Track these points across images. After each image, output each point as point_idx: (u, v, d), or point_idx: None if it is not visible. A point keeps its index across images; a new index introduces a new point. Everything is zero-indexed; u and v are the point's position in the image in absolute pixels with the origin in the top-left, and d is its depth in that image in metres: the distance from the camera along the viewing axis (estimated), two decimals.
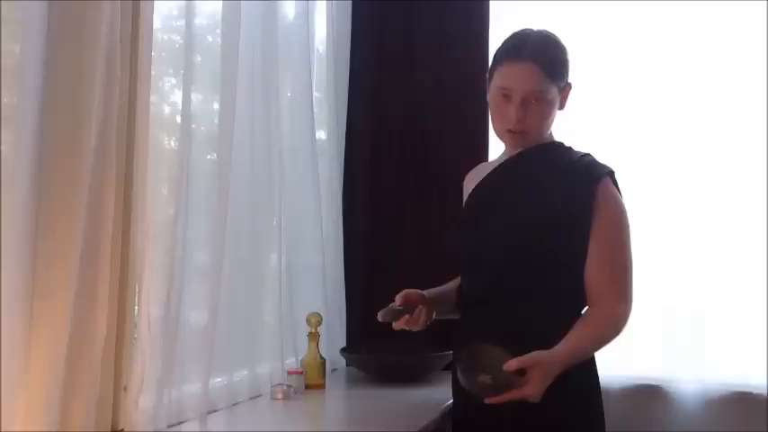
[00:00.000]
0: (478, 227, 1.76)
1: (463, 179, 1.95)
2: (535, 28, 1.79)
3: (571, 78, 1.76)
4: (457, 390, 1.79)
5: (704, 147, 2.35)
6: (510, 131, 1.71)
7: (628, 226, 1.71)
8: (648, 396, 2.30)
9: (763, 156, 2.29)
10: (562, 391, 1.59)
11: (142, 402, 1.58)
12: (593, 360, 1.71)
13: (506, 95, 1.69)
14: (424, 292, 1.86)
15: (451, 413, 1.83)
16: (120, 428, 1.54)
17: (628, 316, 1.66)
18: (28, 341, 1.25)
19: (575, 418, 1.64)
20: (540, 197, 1.69)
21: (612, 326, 1.65)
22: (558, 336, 1.59)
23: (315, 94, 2.34)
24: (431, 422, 1.80)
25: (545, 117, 1.71)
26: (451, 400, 1.83)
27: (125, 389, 1.56)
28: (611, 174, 1.72)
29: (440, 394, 1.96)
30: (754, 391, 2.22)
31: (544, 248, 1.66)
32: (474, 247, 1.76)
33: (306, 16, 2.30)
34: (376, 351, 2.28)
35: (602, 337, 1.65)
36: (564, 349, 1.57)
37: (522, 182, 1.75)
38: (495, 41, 2.47)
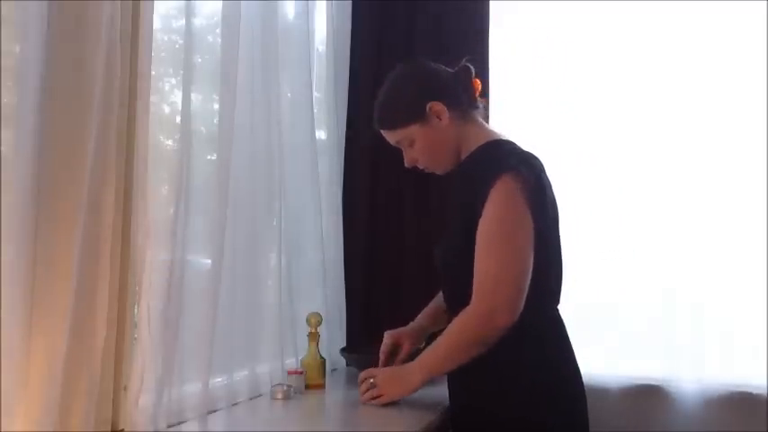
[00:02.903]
0: (438, 247, 1.83)
1: None
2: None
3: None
4: (452, 391, 1.81)
5: (703, 147, 2.36)
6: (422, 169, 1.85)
7: (509, 225, 1.62)
8: (648, 396, 2.30)
9: (764, 157, 2.29)
10: (549, 393, 1.65)
11: (142, 402, 1.57)
12: (575, 366, 1.74)
13: None
14: (413, 324, 1.99)
15: (448, 413, 1.84)
16: (120, 428, 1.54)
17: (491, 320, 1.59)
18: (28, 341, 1.25)
19: (560, 422, 1.67)
20: (458, 211, 1.73)
21: (466, 331, 1.64)
22: (505, 341, 1.61)
23: (315, 93, 2.34)
24: (431, 422, 1.80)
25: (424, 151, 1.79)
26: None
27: (125, 389, 1.56)
28: (513, 169, 1.63)
29: (440, 394, 1.96)
30: (754, 391, 2.22)
31: (470, 261, 1.65)
32: (436, 259, 1.83)
33: (306, 16, 2.30)
34: (376, 351, 2.28)
35: (458, 344, 1.66)
36: (421, 359, 1.73)
37: (453, 197, 1.81)
38: (495, 41, 2.49)
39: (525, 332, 1.61)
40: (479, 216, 1.63)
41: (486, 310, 1.60)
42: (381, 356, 1.95)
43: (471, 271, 1.64)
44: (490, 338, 1.61)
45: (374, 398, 1.79)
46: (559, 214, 1.78)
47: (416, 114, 1.75)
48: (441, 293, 1.97)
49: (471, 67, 1.81)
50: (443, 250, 1.80)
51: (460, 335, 1.66)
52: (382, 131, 1.83)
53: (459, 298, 1.69)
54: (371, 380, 1.80)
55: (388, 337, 1.96)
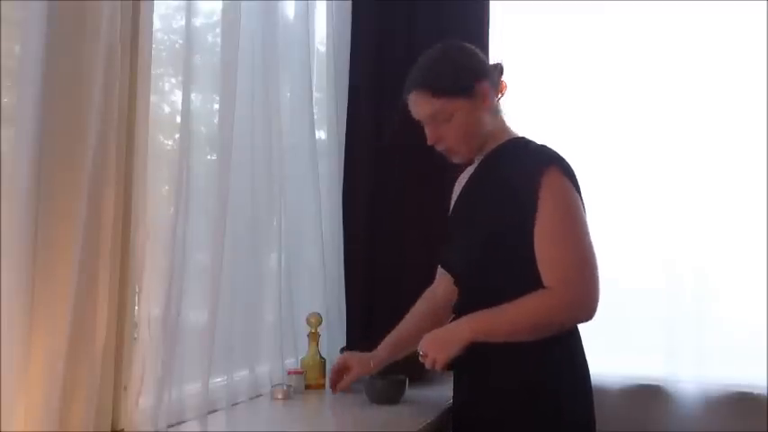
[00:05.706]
0: (453, 242, 1.79)
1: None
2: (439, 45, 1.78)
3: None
4: (457, 388, 1.80)
5: (702, 148, 2.36)
6: (442, 150, 1.76)
7: (575, 213, 1.63)
8: (648, 396, 2.31)
9: (764, 155, 2.29)
10: (555, 391, 1.63)
11: (142, 402, 1.58)
12: (584, 363, 1.72)
13: (420, 124, 1.75)
14: (372, 352, 1.93)
15: (451, 411, 1.84)
16: (120, 428, 1.54)
17: (577, 305, 1.59)
18: (28, 341, 1.25)
19: (568, 420, 1.65)
20: (497, 205, 1.69)
21: (546, 314, 1.59)
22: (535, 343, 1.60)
23: (315, 94, 2.34)
24: (431, 422, 1.80)
25: (460, 130, 1.71)
26: (451, 400, 1.84)
27: (125, 389, 1.56)
28: (557, 161, 1.65)
29: (440, 394, 1.96)
30: (754, 391, 2.22)
31: (512, 255, 1.64)
32: (453, 262, 1.79)
33: (306, 16, 2.30)
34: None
35: (528, 323, 1.60)
36: (474, 322, 1.63)
37: (482, 192, 1.75)
38: (495, 41, 2.49)
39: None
40: (530, 213, 1.60)
41: (573, 299, 1.58)
42: (331, 374, 1.98)
43: (500, 276, 1.64)
44: (568, 326, 1.59)
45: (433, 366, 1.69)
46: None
47: (465, 88, 1.69)
48: (422, 301, 1.96)
49: (503, 68, 1.79)
50: (465, 253, 1.75)
51: (536, 315, 1.60)
52: (415, 99, 1.73)
53: (477, 305, 1.66)
54: (419, 350, 1.70)
55: (341, 357, 1.99)
